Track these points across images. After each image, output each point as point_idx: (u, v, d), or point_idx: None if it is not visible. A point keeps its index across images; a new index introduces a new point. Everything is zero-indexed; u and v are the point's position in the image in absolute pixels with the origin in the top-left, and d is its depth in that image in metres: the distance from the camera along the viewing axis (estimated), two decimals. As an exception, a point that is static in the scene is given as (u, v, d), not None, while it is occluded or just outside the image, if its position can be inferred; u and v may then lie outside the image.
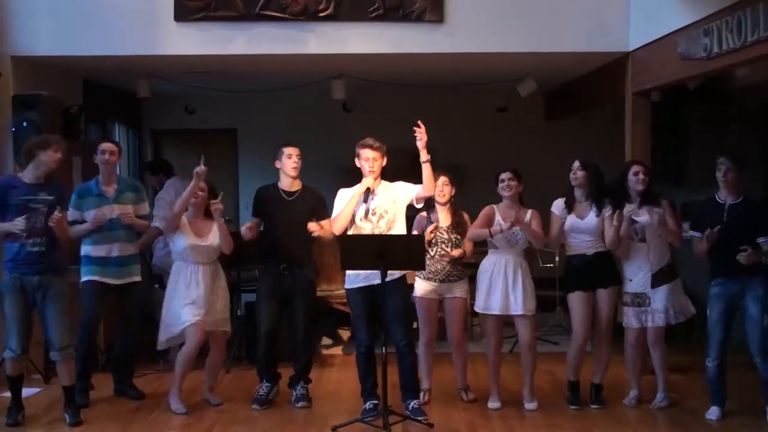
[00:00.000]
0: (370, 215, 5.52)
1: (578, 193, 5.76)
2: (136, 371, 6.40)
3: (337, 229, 5.54)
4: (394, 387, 5.51)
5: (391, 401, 5.36)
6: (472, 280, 5.93)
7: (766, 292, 5.30)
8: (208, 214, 5.83)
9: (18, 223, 5.20)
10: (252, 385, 6.13)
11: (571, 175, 5.74)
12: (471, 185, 6.84)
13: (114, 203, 5.91)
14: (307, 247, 5.90)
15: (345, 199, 5.56)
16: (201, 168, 5.65)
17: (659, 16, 6.45)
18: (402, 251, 5.35)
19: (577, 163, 5.75)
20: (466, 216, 5.92)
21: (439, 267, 5.81)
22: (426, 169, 5.41)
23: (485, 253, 5.84)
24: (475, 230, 5.71)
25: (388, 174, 5.67)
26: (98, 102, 8.45)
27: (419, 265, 5.61)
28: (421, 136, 5.33)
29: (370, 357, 5.59)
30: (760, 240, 5.25)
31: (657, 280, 5.62)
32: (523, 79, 8.12)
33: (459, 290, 5.84)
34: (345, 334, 8.01)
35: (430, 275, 5.82)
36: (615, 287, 5.72)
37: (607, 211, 5.65)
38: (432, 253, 5.79)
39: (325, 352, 7.64)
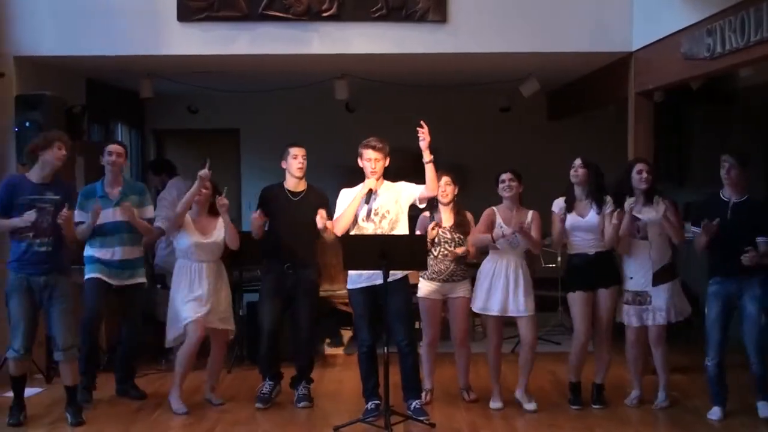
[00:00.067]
0: (372, 216, 5.52)
1: (578, 191, 5.76)
2: (138, 371, 6.41)
3: (339, 230, 5.54)
4: (395, 387, 5.51)
5: (393, 401, 5.37)
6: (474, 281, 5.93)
7: (764, 292, 5.32)
8: (211, 212, 5.84)
9: (29, 216, 5.20)
10: (254, 385, 6.14)
11: (572, 172, 5.74)
12: (474, 185, 6.83)
13: (117, 206, 5.91)
14: (311, 247, 5.91)
15: (347, 200, 5.56)
16: (204, 172, 5.65)
17: (662, 16, 6.44)
18: (404, 251, 5.35)
19: (578, 161, 5.76)
20: (469, 215, 5.92)
21: (442, 267, 5.81)
22: (429, 170, 5.41)
23: (487, 254, 5.83)
24: (477, 236, 5.70)
25: (391, 174, 5.67)
26: (101, 102, 8.46)
27: (421, 266, 5.61)
28: (424, 136, 5.33)
29: (372, 357, 5.59)
30: (759, 240, 5.25)
31: (658, 278, 5.62)
32: (526, 79, 8.12)
33: (462, 290, 5.84)
34: (347, 334, 8.00)
35: (434, 275, 5.82)
36: (616, 287, 5.72)
37: (608, 208, 5.65)
38: (435, 253, 5.79)
39: (327, 351, 7.64)
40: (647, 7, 6.74)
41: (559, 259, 7.77)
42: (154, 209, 6.35)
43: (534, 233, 5.63)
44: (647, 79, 6.82)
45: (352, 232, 5.55)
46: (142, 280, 6.14)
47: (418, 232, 5.79)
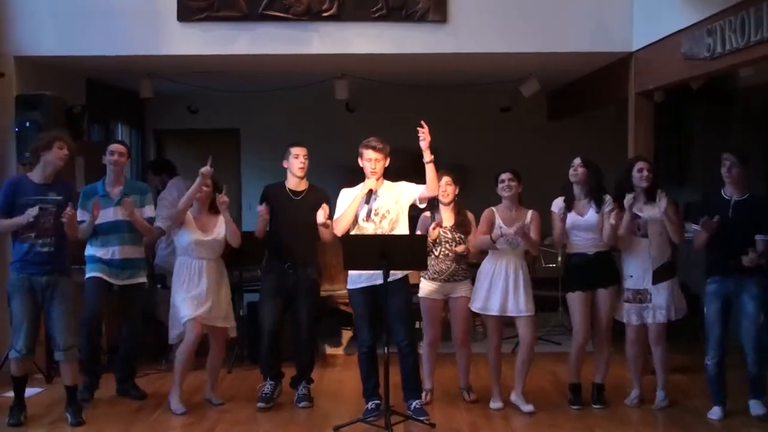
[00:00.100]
0: (372, 216, 5.52)
1: (577, 190, 5.76)
2: (138, 371, 6.41)
3: (339, 231, 5.54)
4: (396, 387, 5.51)
5: (393, 401, 5.37)
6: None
7: (762, 291, 5.34)
8: (212, 210, 5.84)
9: (31, 211, 5.19)
10: (254, 385, 6.14)
11: (571, 171, 5.75)
12: (474, 185, 6.83)
13: (118, 205, 5.90)
14: (311, 247, 5.91)
15: (347, 200, 5.56)
16: (207, 169, 5.65)
17: (662, 16, 6.44)
18: (404, 251, 5.35)
19: (578, 160, 5.76)
20: (470, 215, 5.92)
21: (443, 267, 5.81)
22: (429, 170, 5.41)
23: (487, 254, 5.83)
24: (479, 237, 5.70)
25: (391, 174, 5.67)
26: (101, 102, 8.46)
27: (422, 266, 5.61)
28: (424, 136, 5.33)
29: (372, 357, 5.58)
30: (758, 237, 5.25)
31: (658, 276, 5.62)
32: (526, 79, 8.12)
33: (464, 290, 5.83)
34: (347, 334, 8.01)
35: (435, 275, 5.82)
36: (615, 287, 5.73)
37: (607, 207, 5.65)
38: (436, 253, 5.79)
39: (327, 351, 7.64)
40: (647, 7, 6.74)
41: (559, 258, 7.77)
42: (155, 209, 6.33)
43: (533, 233, 5.62)
44: (647, 79, 6.82)
45: (353, 232, 5.55)
46: (143, 280, 6.13)
47: (418, 232, 5.79)
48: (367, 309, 5.55)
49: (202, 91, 8.98)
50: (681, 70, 6.23)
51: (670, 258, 5.70)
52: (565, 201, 5.75)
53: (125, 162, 6.09)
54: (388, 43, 6.92)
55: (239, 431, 5.43)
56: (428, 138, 5.34)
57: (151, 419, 5.65)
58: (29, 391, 5.63)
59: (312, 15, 6.83)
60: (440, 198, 5.81)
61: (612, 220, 5.57)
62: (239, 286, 7.11)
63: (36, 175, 5.40)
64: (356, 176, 5.66)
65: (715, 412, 5.47)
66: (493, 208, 5.75)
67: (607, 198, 5.72)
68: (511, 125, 10.02)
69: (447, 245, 5.79)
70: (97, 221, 5.81)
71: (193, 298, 5.68)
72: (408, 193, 5.58)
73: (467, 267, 5.89)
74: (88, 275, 5.94)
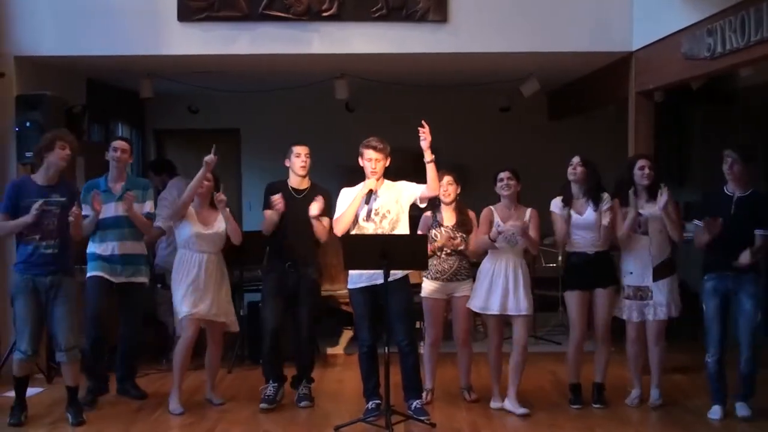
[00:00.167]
0: (372, 215, 5.52)
1: (575, 189, 5.76)
2: (138, 371, 6.41)
3: (339, 231, 5.54)
4: (396, 387, 5.51)
5: (394, 401, 5.37)
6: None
7: (759, 289, 5.36)
8: (213, 204, 5.84)
9: (35, 207, 5.19)
10: (255, 385, 6.14)
11: (570, 170, 5.75)
12: (474, 185, 6.83)
13: (119, 200, 5.90)
14: (313, 246, 5.90)
15: (347, 199, 5.56)
16: (211, 157, 5.65)
17: (662, 16, 6.44)
18: (405, 251, 5.35)
19: (577, 159, 5.76)
20: (471, 214, 5.92)
21: (446, 266, 5.81)
22: (430, 169, 5.41)
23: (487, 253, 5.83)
24: (479, 237, 5.69)
25: (391, 174, 5.67)
26: (101, 102, 8.46)
27: (422, 265, 5.61)
28: (425, 136, 5.33)
29: (373, 357, 5.59)
30: (758, 232, 5.26)
31: (657, 273, 5.63)
32: (526, 78, 8.12)
33: (466, 289, 5.82)
34: (348, 333, 8.01)
35: (437, 275, 5.82)
36: (613, 287, 5.73)
37: (606, 205, 5.66)
38: (439, 253, 5.79)
39: (328, 351, 7.64)
40: (647, 7, 6.75)
41: (559, 258, 7.77)
42: (155, 207, 6.32)
43: (532, 232, 5.62)
44: (647, 79, 6.82)
45: (353, 232, 5.55)
46: (144, 280, 6.12)
47: (420, 233, 5.79)
48: (368, 309, 5.56)
49: (203, 91, 8.98)
50: (681, 70, 6.23)
51: (670, 255, 5.72)
52: (563, 200, 5.75)
53: (128, 159, 6.07)
54: (388, 43, 6.92)
55: (239, 431, 5.43)
56: (429, 138, 5.34)
57: (152, 419, 5.65)
58: (30, 391, 5.63)
59: (312, 15, 6.84)
60: (442, 198, 5.81)
61: (605, 221, 5.57)
62: (240, 285, 7.11)
63: (39, 177, 5.40)
64: (356, 176, 5.66)
65: (715, 412, 5.48)
66: (491, 207, 5.75)
67: (605, 196, 5.73)
68: (511, 125, 10.02)
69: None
70: (99, 216, 5.82)
71: (193, 294, 5.67)
72: (408, 192, 5.58)
73: (469, 266, 5.89)
74: (88, 274, 5.94)
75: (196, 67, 7.61)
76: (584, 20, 6.92)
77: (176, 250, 5.91)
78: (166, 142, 10.58)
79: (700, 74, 6.19)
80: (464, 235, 5.82)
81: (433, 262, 5.78)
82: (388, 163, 5.57)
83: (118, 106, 9.24)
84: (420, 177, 5.51)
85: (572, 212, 5.71)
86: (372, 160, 5.49)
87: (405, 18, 6.86)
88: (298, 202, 5.82)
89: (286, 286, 5.83)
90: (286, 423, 5.57)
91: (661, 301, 5.64)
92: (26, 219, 5.24)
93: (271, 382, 5.87)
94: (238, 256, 6.50)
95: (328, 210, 5.78)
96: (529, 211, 5.69)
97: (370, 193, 5.52)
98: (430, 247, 5.74)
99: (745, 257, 5.24)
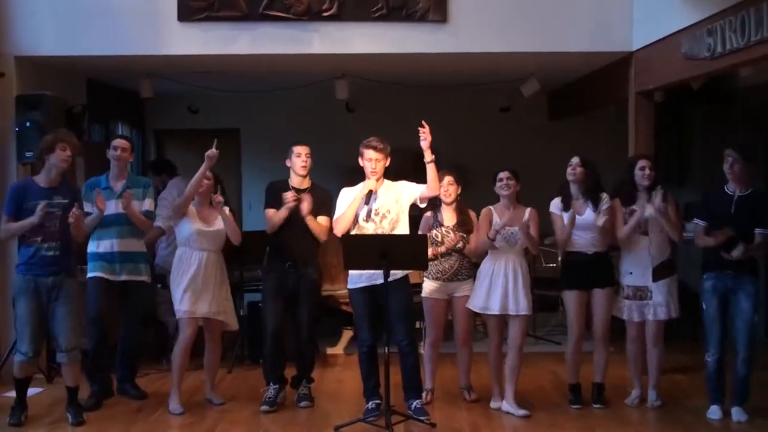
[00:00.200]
0: (372, 216, 5.52)
1: (574, 189, 5.76)
2: (139, 371, 6.40)
3: (339, 231, 5.54)
4: (396, 387, 5.51)
5: (394, 401, 5.37)
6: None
7: (757, 290, 5.37)
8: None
9: (40, 209, 5.18)
10: (255, 385, 6.14)
11: (569, 170, 5.75)
12: (474, 185, 6.83)
13: (120, 198, 5.90)
14: (312, 246, 5.90)
15: (347, 199, 5.56)
16: (212, 151, 5.63)
17: (662, 16, 6.44)
18: (405, 251, 5.35)
19: (576, 159, 5.76)
20: (472, 214, 5.91)
21: (446, 266, 5.81)
22: (430, 170, 5.42)
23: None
24: (479, 238, 5.69)
25: (391, 174, 5.67)
26: (101, 102, 8.47)
27: (422, 265, 5.61)
28: (425, 136, 5.34)
29: (373, 357, 5.58)
30: (758, 230, 5.26)
31: (657, 274, 5.63)
32: (526, 79, 8.12)
33: (467, 289, 5.82)
34: (348, 333, 8.01)
35: (438, 274, 5.83)
36: (611, 288, 5.73)
37: (605, 205, 5.66)
38: (440, 258, 5.80)
39: (328, 351, 7.64)
40: (647, 7, 6.75)
41: (559, 258, 7.74)
42: (155, 207, 6.31)
43: (532, 231, 5.62)
44: (648, 79, 6.83)
45: (353, 232, 5.55)
46: (144, 278, 6.10)
47: (421, 233, 5.79)
48: (368, 309, 5.55)
49: (203, 91, 8.98)
50: (681, 70, 6.23)
51: (670, 256, 5.72)
52: (562, 201, 5.75)
53: (128, 157, 6.07)
54: (389, 43, 6.93)
55: (239, 431, 5.43)
56: (429, 138, 5.34)
57: (152, 419, 5.65)
58: (30, 391, 5.62)
59: (312, 15, 6.84)
60: (442, 198, 5.81)
61: (599, 222, 5.57)
62: (240, 285, 7.11)
63: (41, 179, 5.40)
64: (356, 176, 5.66)
65: (715, 412, 5.47)
66: (491, 207, 5.75)
67: (604, 197, 5.73)
68: (511, 125, 10.02)
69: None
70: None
71: (192, 293, 5.67)
72: (408, 192, 5.58)
73: (470, 266, 5.88)
74: (88, 275, 5.93)
75: (196, 67, 7.61)
76: (584, 20, 6.93)
77: (176, 250, 5.91)
78: (166, 142, 10.58)
79: (700, 74, 6.19)
80: (465, 236, 5.82)
81: (433, 262, 5.78)
82: (388, 163, 5.57)
83: (118, 106, 9.25)
84: (420, 177, 5.51)
85: (570, 211, 5.70)
86: (372, 160, 5.49)
87: (405, 18, 6.87)
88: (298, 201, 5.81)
89: (286, 286, 5.83)
90: (286, 423, 5.57)
91: (660, 302, 5.64)
92: (32, 220, 5.24)
93: (272, 384, 5.87)
94: (238, 256, 6.50)
95: (328, 210, 5.78)
96: (528, 210, 5.69)
97: (370, 194, 5.52)
98: (432, 250, 5.75)
99: (738, 251, 5.24)
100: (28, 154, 6.50)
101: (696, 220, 5.54)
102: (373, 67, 7.66)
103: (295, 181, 5.87)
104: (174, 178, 7.73)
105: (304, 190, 5.84)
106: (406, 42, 6.92)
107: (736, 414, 5.40)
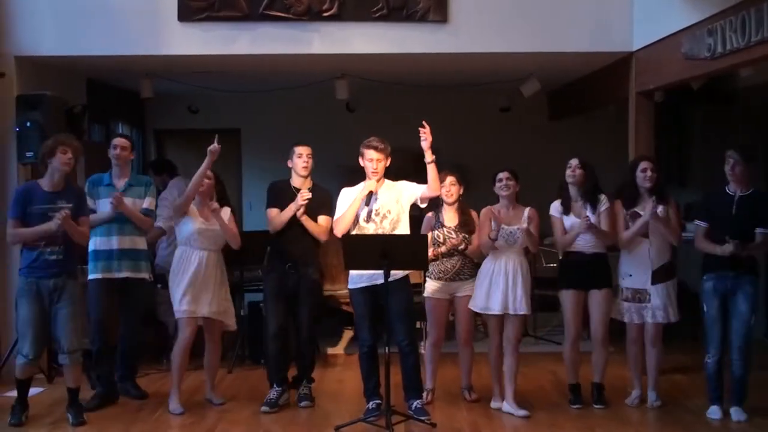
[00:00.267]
0: (373, 216, 5.52)
1: (573, 191, 5.76)
2: (139, 371, 6.41)
3: (339, 232, 5.54)
4: (396, 387, 5.51)
5: (394, 401, 5.37)
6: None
7: (756, 291, 5.37)
8: (217, 202, 5.83)
9: (58, 217, 5.17)
10: (255, 385, 6.15)
11: (569, 172, 5.74)
12: (474, 185, 6.82)
13: (122, 193, 5.90)
14: (313, 246, 5.89)
15: (347, 199, 5.56)
16: (215, 146, 5.62)
17: (663, 16, 6.45)
18: (405, 251, 5.35)
19: (575, 161, 5.75)
20: (474, 214, 5.91)
21: (448, 266, 5.81)
22: (431, 170, 5.42)
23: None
24: (482, 239, 5.68)
25: (391, 174, 5.67)
26: (102, 102, 8.47)
27: (422, 265, 5.61)
28: (426, 136, 5.34)
29: (373, 357, 5.58)
30: (759, 230, 5.27)
31: (657, 277, 5.63)
32: (526, 79, 8.12)
33: (469, 289, 5.81)
34: (348, 333, 8.01)
35: (440, 274, 5.83)
36: (608, 289, 5.73)
37: (603, 206, 5.66)
38: (442, 250, 5.80)
39: (328, 351, 7.64)
40: (648, 7, 6.75)
41: (560, 258, 7.75)
42: (156, 207, 6.31)
43: (531, 230, 5.62)
44: (648, 79, 6.83)
45: (354, 233, 5.55)
46: (145, 276, 6.09)
47: (422, 233, 5.79)
48: (368, 309, 5.55)
49: (203, 91, 8.98)
50: (681, 70, 6.23)
51: (670, 259, 5.71)
52: (562, 204, 5.75)
53: (128, 155, 6.06)
54: (389, 43, 6.93)
55: (239, 431, 5.43)
56: (430, 138, 5.34)
57: (152, 419, 5.65)
58: (30, 391, 5.62)
59: (312, 15, 6.84)
60: (444, 198, 5.81)
61: (583, 225, 5.56)
62: (240, 285, 7.11)
63: (45, 183, 5.40)
64: (357, 176, 5.66)
65: (715, 412, 5.47)
66: (490, 207, 5.75)
67: (603, 198, 5.73)
68: (511, 125, 10.02)
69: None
70: (100, 210, 5.83)
71: (191, 293, 5.67)
72: (409, 192, 5.58)
73: (472, 266, 5.88)
74: (89, 277, 5.92)
75: (197, 67, 7.61)
76: (584, 20, 6.93)
77: (176, 249, 5.90)
78: (167, 142, 10.58)
79: (701, 74, 6.20)
80: (467, 236, 5.82)
81: (435, 262, 5.78)
82: (388, 163, 5.57)
83: (119, 106, 9.25)
84: (421, 177, 5.51)
85: (572, 216, 5.71)
86: (373, 160, 5.49)
87: (405, 18, 6.87)
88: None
89: (287, 286, 5.83)
90: (287, 423, 5.57)
91: (658, 305, 5.64)
92: (50, 226, 5.22)
93: (275, 386, 5.86)
94: (238, 256, 6.49)
95: (329, 210, 5.78)
96: (527, 210, 5.69)
97: (371, 195, 5.52)
98: (432, 251, 5.74)
99: (728, 247, 5.24)
100: (29, 154, 6.51)
101: (697, 222, 5.54)
102: (373, 67, 7.66)
103: (296, 181, 5.86)
104: (174, 178, 7.73)
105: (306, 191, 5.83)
106: (406, 42, 6.92)
107: (736, 414, 5.40)
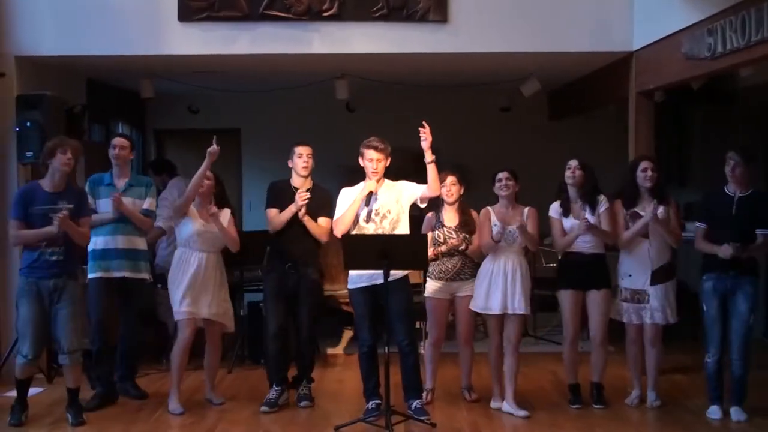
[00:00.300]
0: (373, 216, 5.52)
1: (572, 192, 5.75)
2: (139, 371, 6.41)
3: (339, 232, 5.54)
4: (396, 387, 5.51)
5: (394, 401, 5.37)
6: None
7: (756, 290, 5.37)
8: (216, 204, 5.83)
9: (56, 218, 5.18)
10: (255, 385, 6.14)
11: (568, 173, 5.74)
12: (474, 185, 6.82)
13: (123, 193, 5.89)
14: (313, 246, 5.89)
15: (347, 199, 5.56)
16: (213, 148, 5.62)
17: (663, 16, 6.44)
18: (405, 251, 5.35)
19: (575, 162, 5.75)
20: (474, 214, 5.91)
21: (449, 266, 5.81)
22: (431, 170, 5.42)
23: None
24: (484, 241, 5.68)
25: (391, 174, 5.67)
26: (102, 102, 8.46)
27: (422, 265, 5.61)
28: (426, 136, 5.33)
29: (373, 357, 5.58)
30: (759, 232, 5.27)
31: (656, 277, 5.63)
32: (526, 79, 8.12)
33: (469, 289, 5.80)
34: (348, 333, 8.01)
35: (441, 274, 5.82)
36: (606, 290, 5.73)
37: (602, 207, 5.66)
38: (441, 257, 5.79)
39: (328, 351, 7.64)
40: (648, 7, 6.75)
41: (559, 258, 7.75)
42: (156, 207, 6.30)
43: (530, 229, 5.62)
44: (648, 79, 6.83)
45: (354, 233, 5.55)
46: (145, 276, 6.09)
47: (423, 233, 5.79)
48: (368, 309, 5.55)
49: (203, 91, 8.98)
50: (681, 70, 6.23)
51: (670, 260, 5.70)
52: (561, 206, 5.75)
53: (128, 155, 6.06)
54: (389, 43, 6.93)
55: (239, 431, 5.43)
56: (430, 138, 5.34)
57: (152, 419, 5.65)
58: (30, 391, 5.62)
59: (312, 15, 6.84)
60: (445, 198, 5.81)
61: (581, 228, 5.55)
62: (240, 285, 7.11)
63: (46, 183, 5.40)
64: (357, 176, 5.66)
65: (715, 412, 5.48)
66: (489, 207, 5.75)
67: (602, 199, 5.73)
68: (512, 125, 10.02)
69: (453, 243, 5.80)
70: (100, 210, 5.83)
71: (190, 294, 5.67)
72: (409, 192, 5.58)
73: (473, 266, 5.87)
74: (89, 276, 5.92)
75: (197, 67, 7.61)
76: (585, 20, 6.93)
77: (176, 250, 5.90)
78: (166, 142, 10.58)
79: (701, 74, 6.20)
80: (468, 236, 5.81)
81: (436, 262, 5.78)
82: (388, 163, 5.57)
83: (119, 106, 9.25)
84: (421, 177, 5.51)
85: (571, 218, 5.70)
86: (373, 160, 5.49)
87: (405, 18, 6.87)
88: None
89: (287, 286, 5.83)
90: (286, 423, 5.57)
91: (656, 306, 5.64)
92: (51, 230, 5.23)
93: (274, 386, 5.86)
94: (238, 257, 6.48)
95: (329, 211, 5.78)
96: (527, 209, 5.69)
97: (370, 195, 5.52)
98: (433, 250, 5.74)
99: (726, 249, 5.24)
100: (29, 154, 6.51)
101: (696, 223, 5.53)
102: (373, 67, 7.66)
103: (296, 181, 5.86)
104: (174, 178, 7.73)
105: (305, 191, 5.83)
106: (406, 42, 6.92)
107: (735, 414, 5.40)
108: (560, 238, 5.75)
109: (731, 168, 5.37)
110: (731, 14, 5.45)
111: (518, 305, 5.57)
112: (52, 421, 5.56)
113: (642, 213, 5.60)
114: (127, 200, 5.88)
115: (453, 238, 5.78)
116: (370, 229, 5.52)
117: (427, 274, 5.89)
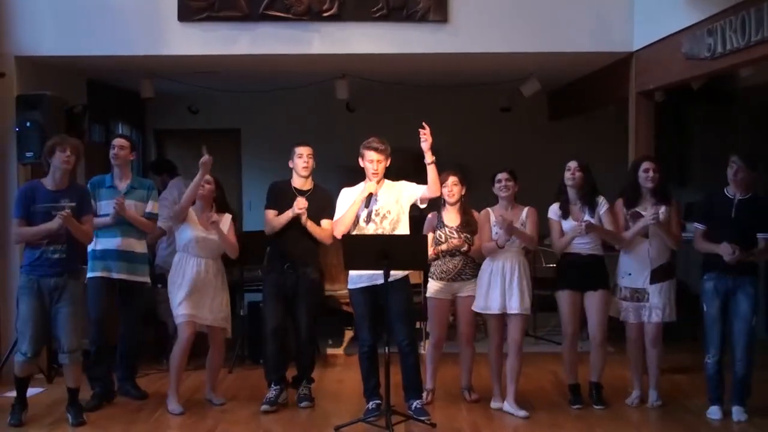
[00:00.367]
0: (373, 217, 5.52)
1: (572, 193, 5.75)
2: (139, 371, 6.40)
3: (339, 233, 5.54)
4: (396, 387, 5.51)
5: (394, 401, 5.37)
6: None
7: (757, 290, 5.38)
8: (217, 209, 5.82)
9: (60, 215, 5.18)
10: (255, 385, 6.14)
11: (568, 174, 5.73)
12: (474, 185, 6.83)
13: (125, 195, 5.89)
14: (313, 247, 5.89)
15: (347, 200, 5.56)
16: (205, 158, 5.61)
17: (663, 16, 6.45)
18: (405, 251, 5.35)
19: (574, 163, 5.75)
20: (475, 214, 5.90)
21: (450, 266, 5.81)
22: (431, 171, 5.41)
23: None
24: (485, 244, 5.66)
25: (392, 174, 5.67)
26: (102, 102, 8.47)
27: (422, 265, 5.61)
28: (426, 137, 5.33)
29: (373, 357, 5.58)
30: (760, 235, 5.27)
31: (655, 276, 5.63)
32: (526, 79, 8.12)
33: (471, 289, 5.80)
34: (348, 334, 8.01)
35: (443, 275, 5.82)
36: (605, 290, 5.73)
37: (602, 208, 5.66)
38: (442, 256, 5.79)
39: (328, 351, 7.64)
40: (648, 7, 6.75)
41: (558, 259, 7.76)
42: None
43: (530, 229, 5.62)
44: (648, 79, 6.83)
45: (354, 233, 5.55)
46: (145, 279, 6.09)
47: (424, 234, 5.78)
48: (368, 309, 5.55)
49: (203, 91, 8.98)
50: (682, 70, 6.23)
51: (669, 259, 5.71)
52: (561, 207, 5.75)
53: (128, 155, 6.04)
54: (389, 43, 6.93)
55: (239, 431, 5.43)
56: (430, 139, 5.34)
57: (152, 419, 5.65)
58: (30, 391, 5.63)
59: (312, 15, 6.84)
60: (446, 198, 5.80)
61: (580, 230, 5.55)
62: (240, 285, 7.11)
63: (48, 182, 5.41)
64: (357, 176, 5.66)
65: (715, 412, 5.47)
66: (488, 208, 5.75)
67: (601, 200, 5.72)
68: (511, 125, 10.02)
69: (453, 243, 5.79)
70: (101, 212, 5.82)
71: (190, 298, 5.66)
72: (409, 192, 5.58)
73: (474, 266, 5.86)
74: (88, 275, 5.92)
75: (197, 67, 7.61)
76: (585, 21, 6.93)
77: (175, 254, 5.90)
78: (167, 142, 10.59)
79: (701, 74, 6.20)
80: (469, 236, 5.81)
81: (437, 262, 5.78)
82: (388, 164, 5.57)
83: (119, 106, 9.25)
84: (421, 177, 5.51)
85: (570, 219, 5.70)
86: (373, 161, 5.49)
87: (405, 18, 6.87)
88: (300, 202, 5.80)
89: (285, 286, 5.82)
90: (286, 423, 5.57)
91: (656, 304, 5.64)
92: (51, 226, 5.23)
93: (273, 384, 5.86)
94: (237, 256, 6.48)
95: (330, 213, 5.77)
96: (526, 209, 5.69)
97: (370, 197, 5.52)
98: (433, 249, 5.74)
99: (726, 248, 5.24)
100: (29, 154, 6.51)
101: (696, 224, 5.53)
102: (373, 67, 7.67)
103: (297, 182, 5.86)
104: (174, 178, 7.73)
105: (305, 192, 5.83)
106: (406, 42, 6.92)
107: (736, 413, 5.40)
108: (558, 239, 5.75)
109: (734, 172, 5.37)
110: (731, 14, 5.45)
111: (516, 305, 5.57)
112: (52, 421, 5.56)
113: (643, 213, 5.60)
114: (128, 202, 5.87)
115: (454, 238, 5.78)
116: (370, 230, 5.52)
117: (429, 275, 5.89)
